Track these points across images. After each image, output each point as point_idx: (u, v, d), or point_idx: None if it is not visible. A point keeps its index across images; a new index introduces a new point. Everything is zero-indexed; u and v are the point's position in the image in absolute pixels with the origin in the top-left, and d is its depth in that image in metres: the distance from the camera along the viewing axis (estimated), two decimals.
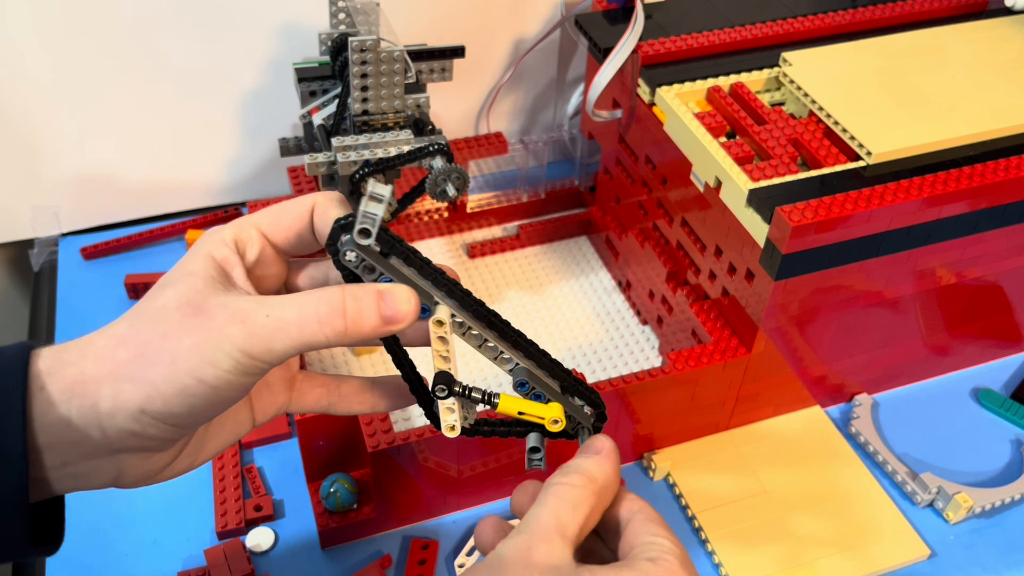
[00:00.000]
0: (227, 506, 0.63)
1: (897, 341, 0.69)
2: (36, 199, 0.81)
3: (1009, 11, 0.73)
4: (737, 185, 0.58)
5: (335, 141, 0.59)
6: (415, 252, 0.38)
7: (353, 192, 0.60)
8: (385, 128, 0.63)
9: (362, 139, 0.60)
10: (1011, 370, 0.76)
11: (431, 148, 0.58)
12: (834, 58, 0.67)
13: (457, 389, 0.39)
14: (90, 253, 0.81)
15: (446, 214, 0.83)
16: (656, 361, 0.74)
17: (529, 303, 0.79)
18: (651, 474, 0.67)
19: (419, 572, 0.60)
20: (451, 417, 0.40)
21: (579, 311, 0.79)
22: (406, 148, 0.60)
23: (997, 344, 0.76)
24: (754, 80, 0.67)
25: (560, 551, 0.36)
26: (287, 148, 0.70)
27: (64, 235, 0.83)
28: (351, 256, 0.37)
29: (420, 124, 0.63)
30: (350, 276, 0.38)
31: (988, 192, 0.59)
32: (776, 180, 0.58)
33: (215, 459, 0.65)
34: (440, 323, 0.38)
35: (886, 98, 0.64)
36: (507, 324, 0.40)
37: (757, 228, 0.58)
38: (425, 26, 0.79)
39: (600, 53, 0.69)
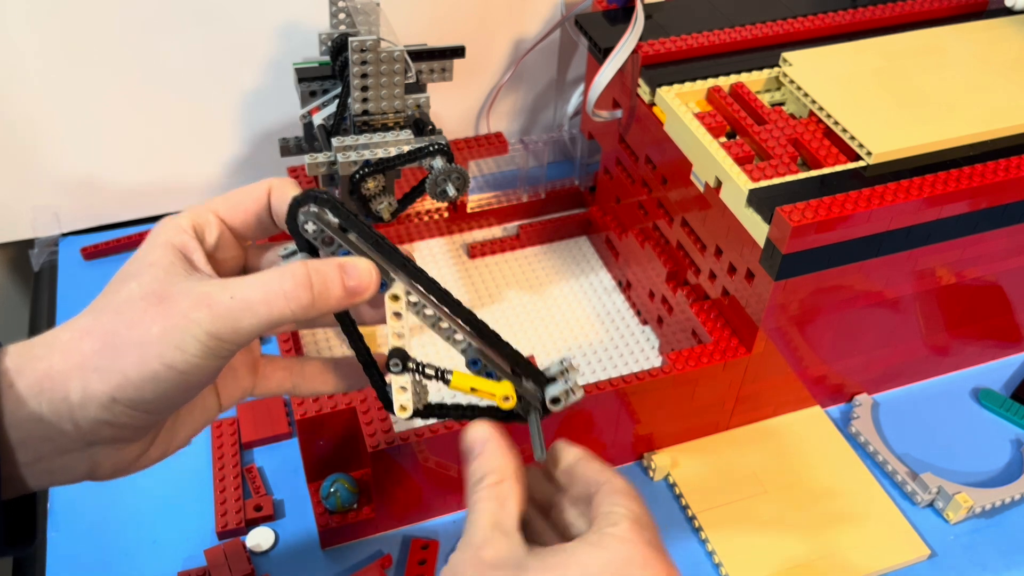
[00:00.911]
0: (227, 506, 0.63)
1: (897, 341, 0.69)
2: (36, 199, 0.81)
3: (1009, 11, 0.73)
4: (737, 185, 0.58)
5: (335, 141, 0.59)
6: (371, 227, 0.39)
7: (353, 192, 0.60)
8: (385, 128, 0.63)
9: (362, 139, 0.60)
10: (1011, 370, 0.76)
11: (431, 148, 0.58)
12: (834, 58, 0.67)
13: (411, 365, 0.40)
14: (90, 253, 0.81)
15: (446, 214, 0.83)
16: (656, 361, 0.74)
17: (529, 303, 0.79)
18: (651, 474, 0.67)
19: (419, 572, 0.60)
20: (403, 397, 0.41)
21: (579, 311, 0.79)
22: (406, 148, 0.60)
23: (997, 344, 0.76)
24: (754, 80, 0.67)
25: (505, 545, 0.37)
26: (287, 148, 0.70)
27: (64, 235, 0.83)
28: (311, 228, 0.38)
29: (420, 124, 0.63)
30: (310, 251, 0.39)
31: (988, 192, 0.59)
32: (776, 180, 0.58)
33: (215, 459, 0.65)
34: (396, 297, 0.39)
35: (886, 98, 0.64)
36: (459, 303, 0.41)
37: (757, 228, 0.58)
38: (425, 26, 0.79)
39: (600, 53, 0.69)
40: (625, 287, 0.80)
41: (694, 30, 0.70)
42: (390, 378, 0.42)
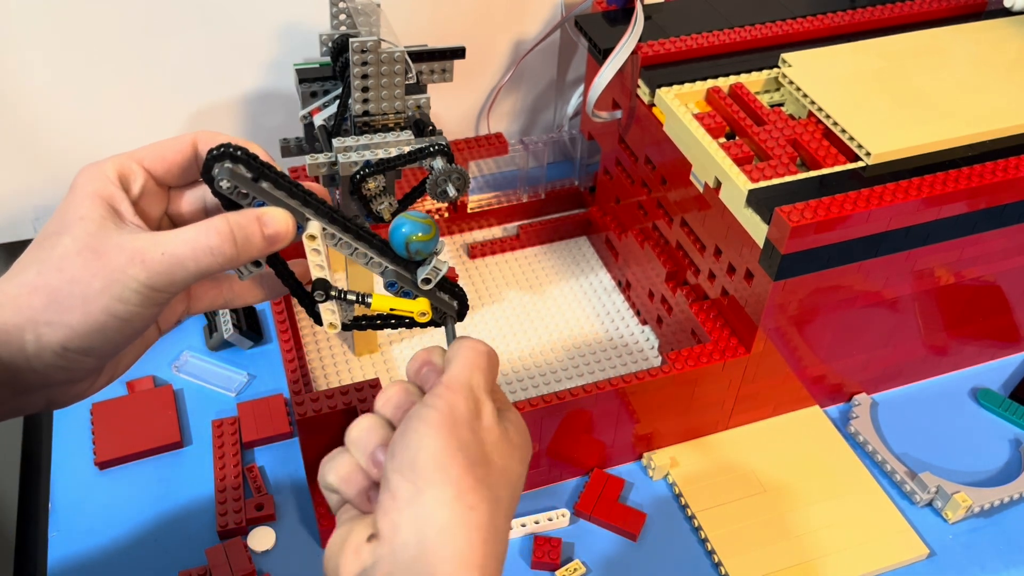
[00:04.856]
0: (228, 506, 0.63)
1: (896, 341, 0.69)
2: (37, 199, 0.81)
3: (1008, 12, 0.73)
4: (736, 185, 0.59)
5: (336, 142, 0.59)
6: (284, 175, 0.41)
7: (354, 192, 0.60)
8: (386, 129, 0.63)
9: (363, 140, 0.60)
10: (1010, 370, 0.76)
11: (431, 149, 0.58)
12: (833, 59, 0.67)
13: (333, 293, 0.44)
14: None
15: (446, 214, 0.84)
16: (656, 361, 0.74)
17: (529, 303, 0.79)
18: (651, 474, 0.67)
19: None
20: (331, 316, 0.45)
21: (579, 311, 0.79)
22: (407, 149, 0.60)
23: (996, 344, 0.76)
24: (753, 81, 0.67)
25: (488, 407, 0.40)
26: (288, 149, 0.70)
27: None
28: (225, 184, 0.40)
29: (420, 125, 0.63)
30: (227, 203, 0.41)
31: (987, 192, 0.59)
32: (775, 180, 0.58)
33: (216, 459, 0.66)
34: (313, 237, 0.43)
35: (885, 99, 0.64)
36: (372, 233, 0.44)
37: (756, 228, 0.58)
38: (425, 27, 0.79)
39: (600, 54, 0.69)
40: (625, 287, 0.80)
41: (693, 31, 0.70)
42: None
